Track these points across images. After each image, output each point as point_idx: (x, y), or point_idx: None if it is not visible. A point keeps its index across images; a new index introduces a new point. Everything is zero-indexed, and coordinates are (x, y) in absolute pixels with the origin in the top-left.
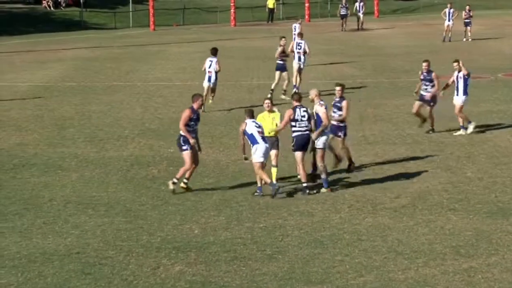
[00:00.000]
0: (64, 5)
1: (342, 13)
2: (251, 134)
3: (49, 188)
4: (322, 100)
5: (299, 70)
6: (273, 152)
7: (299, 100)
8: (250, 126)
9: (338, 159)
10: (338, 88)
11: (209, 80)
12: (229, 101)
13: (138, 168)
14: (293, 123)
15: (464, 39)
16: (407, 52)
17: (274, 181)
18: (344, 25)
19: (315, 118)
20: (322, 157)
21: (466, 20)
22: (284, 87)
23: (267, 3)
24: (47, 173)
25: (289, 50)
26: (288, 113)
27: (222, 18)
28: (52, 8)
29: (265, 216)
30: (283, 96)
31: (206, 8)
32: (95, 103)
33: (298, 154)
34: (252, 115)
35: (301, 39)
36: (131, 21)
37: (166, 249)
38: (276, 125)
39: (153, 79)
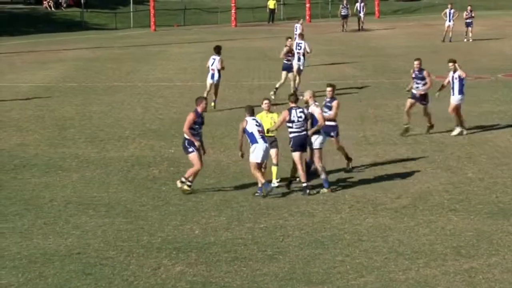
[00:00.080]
0: (65, 5)
1: (343, 14)
2: (251, 133)
3: (49, 188)
4: (316, 101)
5: (299, 71)
6: (273, 151)
7: (295, 101)
8: (250, 125)
9: (348, 159)
10: (329, 88)
11: (212, 77)
12: (230, 101)
13: (139, 169)
14: (289, 124)
15: (465, 40)
16: (408, 52)
17: (274, 180)
18: (345, 26)
19: (311, 119)
20: (320, 158)
21: (467, 21)
22: (296, 85)
23: (268, 3)
24: (48, 173)
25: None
26: (284, 114)
27: (222, 19)
28: (53, 9)
29: (265, 217)
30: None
31: (206, 8)
32: (96, 104)
33: (296, 154)
34: (252, 112)
35: (302, 40)
36: (131, 21)
37: (166, 249)
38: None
39: (154, 80)
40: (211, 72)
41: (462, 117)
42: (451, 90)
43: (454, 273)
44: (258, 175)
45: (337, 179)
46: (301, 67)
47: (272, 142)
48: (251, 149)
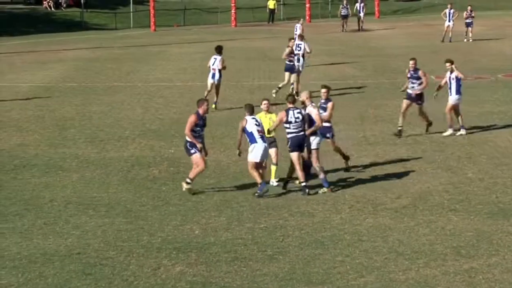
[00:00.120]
0: (64, 5)
1: (343, 14)
2: (251, 132)
3: (49, 188)
4: (313, 102)
5: (298, 72)
6: (272, 151)
7: (293, 102)
8: (250, 124)
9: (346, 158)
10: (323, 90)
11: (213, 77)
12: (231, 101)
13: (139, 169)
14: (286, 125)
15: (465, 40)
16: (408, 52)
17: (273, 179)
18: (344, 26)
19: (308, 120)
20: (318, 158)
21: (467, 21)
22: (296, 89)
23: (268, 3)
24: (48, 173)
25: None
26: (281, 115)
27: (222, 19)
28: (52, 9)
29: (265, 217)
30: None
31: (206, 8)
32: (96, 104)
33: (294, 155)
34: (252, 111)
35: (301, 41)
36: (131, 21)
37: (166, 249)
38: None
39: (154, 80)
40: (211, 71)
41: (461, 116)
42: (448, 91)
43: (454, 273)
44: (255, 175)
45: (337, 179)
46: (300, 68)
47: (271, 142)
48: (249, 149)
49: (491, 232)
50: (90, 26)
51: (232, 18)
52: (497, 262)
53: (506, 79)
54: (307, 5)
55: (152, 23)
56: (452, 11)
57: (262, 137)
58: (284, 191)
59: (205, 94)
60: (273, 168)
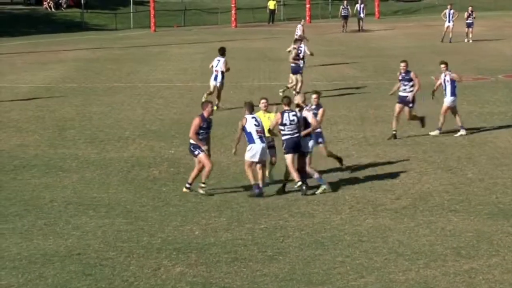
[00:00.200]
0: (65, 6)
1: (343, 14)
2: (249, 132)
3: (49, 189)
4: (307, 105)
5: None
6: (271, 151)
7: (288, 104)
8: (249, 124)
9: (339, 160)
10: (314, 95)
11: (215, 79)
12: (231, 102)
13: (139, 169)
14: (281, 127)
15: (466, 40)
16: (408, 53)
17: (267, 174)
18: (345, 26)
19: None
20: (310, 160)
21: (468, 21)
22: (298, 89)
23: (268, 4)
24: (48, 174)
25: (287, 50)
26: (276, 117)
27: (223, 19)
28: (53, 9)
29: (265, 217)
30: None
31: (207, 9)
32: (96, 104)
33: (289, 157)
34: (252, 109)
35: (301, 43)
36: (132, 22)
37: (166, 250)
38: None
39: (154, 80)
40: (214, 73)
41: (459, 116)
42: (444, 92)
43: (454, 274)
44: (250, 175)
45: (337, 179)
46: (300, 71)
47: (269, 142)
48: (247, 148)
49: (491, 233)
50: (90, 26)
51: (232, 19)
52: (497, 262)
53: (506, 79)
54: (308, 6)
55: (152, 24)
56: (452, 11)
57: (261, 138)
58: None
59: (205, 96)
60: (270, 167)
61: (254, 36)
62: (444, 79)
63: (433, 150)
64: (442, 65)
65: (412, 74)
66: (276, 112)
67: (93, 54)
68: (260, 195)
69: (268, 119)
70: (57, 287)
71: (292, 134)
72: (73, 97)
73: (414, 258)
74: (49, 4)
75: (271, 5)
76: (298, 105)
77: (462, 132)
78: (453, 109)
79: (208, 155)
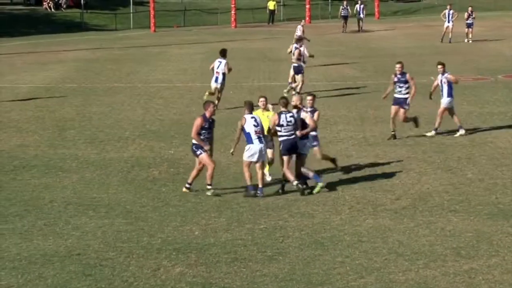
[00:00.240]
0: (64, 6)
1: (343, 15)
2: (248, 133)
3: (49, 189)
4: (304, 107)
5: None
6: (269, 151)
7: (285, 105)
8: (248, 124)
9: (333, 161)
10: (309, 98)
11: (216, 81)
12: (230, 102)
13: (139, 170)
14: (278, 128)
15: (466, 40)
16: (408, 53)
17: (267, 172)
18: (345, 27)
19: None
20: (304, 161)
21: (468, 21)
22: (298, 89)
23: (268, 4)
24: (48, 174)
25: (287, 51)
26: (273, 118)
27: (222, 20)
28: (52, 10)
29: (265, 218)
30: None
31: (206, 9)
32: (95, 105)
33: (285, 158)
34: (251, 108)
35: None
36: (131, 22)
37: (166, 250)
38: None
39: (154, 81)
40: (215, 75)
41: (457, 117)
42: (440, 93)
43: (454, 274)
44: (247, 176)
45: (337, 180)
46: (302, 71)
47: (268, 142)
48: (246, 148)
49: (491, 233)
50: (90, 27)
51: (232, 19)
52: (497, 263)
53: (506, 80)
54: (307, 6)
55: (152, 24)
56: (451, 12)
57: (259, 138)
58: (280, 193)
59: (206, 94)
60: (269, 165)
61: (254, 37)
62: (441, 80)
63: (433, 150)
64: (439, 66)
65: (407, 76)
66: (274, 110)
67: (93, 54)
68: (255, 195)
69: (267, 118)
70: (57, 287)
71: (289, 135)
72: (73, 97)
73: (414, 259)
74: (49, 5)
75: (271, 5)
76: (295, 106)
77: (462, 132)
78: (450, 110)
79: (210, 155)
